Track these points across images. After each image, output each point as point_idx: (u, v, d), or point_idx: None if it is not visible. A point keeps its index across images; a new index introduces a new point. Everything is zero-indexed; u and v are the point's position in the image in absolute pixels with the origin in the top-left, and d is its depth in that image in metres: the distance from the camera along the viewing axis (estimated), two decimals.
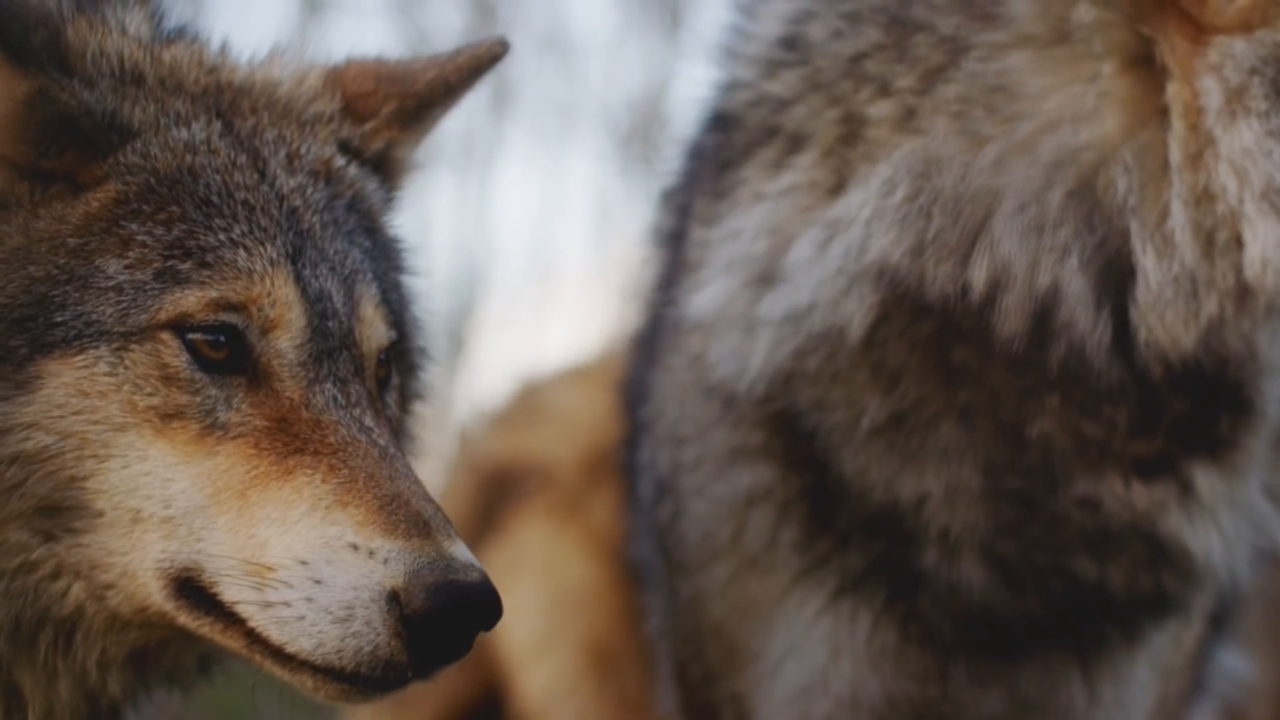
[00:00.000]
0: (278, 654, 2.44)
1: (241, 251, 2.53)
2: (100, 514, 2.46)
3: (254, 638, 2.45)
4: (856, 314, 2.96)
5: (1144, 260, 2.82)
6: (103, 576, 2.49)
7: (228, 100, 2.71)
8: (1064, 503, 2.99)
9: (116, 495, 2.45)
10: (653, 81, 10.54)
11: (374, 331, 2.66)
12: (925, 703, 3.16)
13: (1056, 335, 2.87)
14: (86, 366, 2.45)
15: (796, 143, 3.07)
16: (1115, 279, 2.87)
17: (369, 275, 2.70)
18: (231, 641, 2.48)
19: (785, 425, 3.09)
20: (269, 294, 2.53)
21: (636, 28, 10.57)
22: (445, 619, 2.39)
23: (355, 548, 2.39)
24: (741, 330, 3.07)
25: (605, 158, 10.98)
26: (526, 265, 11.06)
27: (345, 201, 2.75)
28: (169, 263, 2.49)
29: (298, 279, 2.57)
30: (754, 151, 3.13)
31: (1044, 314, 2.87)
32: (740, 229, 3.09)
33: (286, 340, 2.54)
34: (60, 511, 2.46)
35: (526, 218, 10.59)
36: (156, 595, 2.47)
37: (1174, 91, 2.82)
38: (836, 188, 3.01)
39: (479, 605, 2.41)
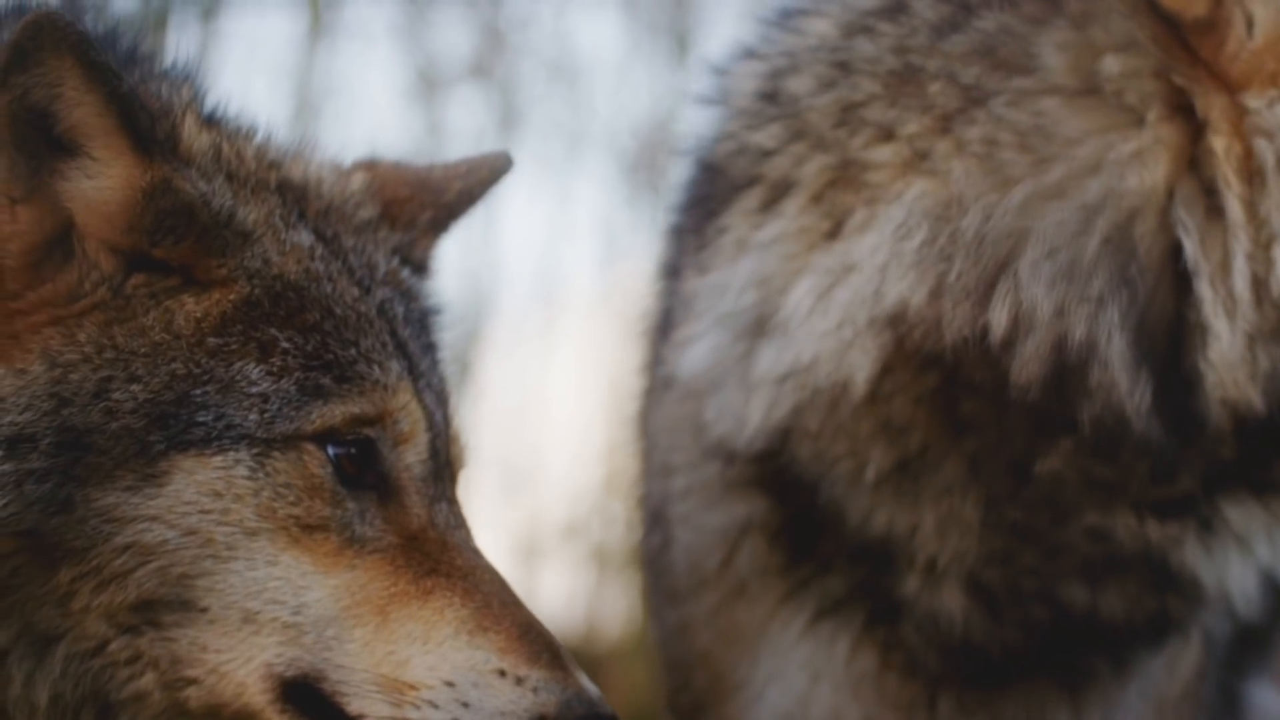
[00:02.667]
0: None
1: (376, 367, 2.57)
2: (204, 611, 2.47)
3: None
4: (861, 367, 2.96)
5: (1215, 322, 2.84)
6: (186, 671, 2.49)
7: (298, 201, 2.73)
8: (1071, 533, 3.00)
9: (231, 596, 2.46)
10: (660, 109, 10.55)
11: (463, 453, 2.75)
12: None
13: (1090, 393, 2.88)
14: (224, 468, 2.46)
15: (780, 190, 3.10)
16: (1158, 337, 2.88)
17: (449, 395, 2.77)
18: None
19: (780, 470, 3.10)
20: (404, 407, 2.59)
21: (644, 55, 10.57)
22: None
23: (503, 674, 2.47)
24: (736, 387, 3.08)
25: (612, 184, 11.00)
26: (533, 291, 11.06)
27: (418, 316, 2.81)
28: (310, 374, 2.52)
29: (418, 394, 2.63)
30: (734, 199, 3.16)
31: (1073, 366, 2.88)
32: (726, 283, 3.11)
33: (413, 455, 2.60)
34: (155, 606, 2.46)
35: (533, 243, 10.62)
36: (256, 696, 2.49)
37: (1223, 146, 2.85)
38: (831, 232, 3.03)
39: None
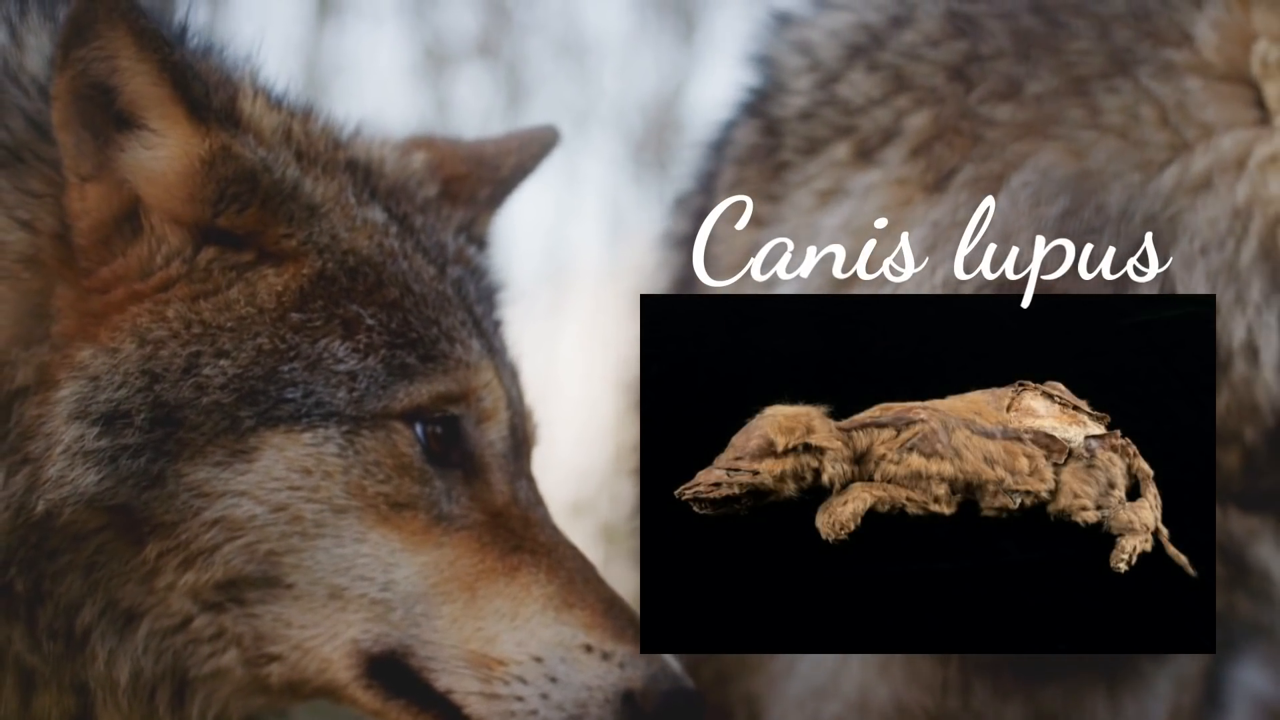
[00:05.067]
0: None
1: (458, 345, 2.59)
2: (290, 588, 2.48)
3: None
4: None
5: None
6: (269, 648, 2.50)
7: (367, 180, 2.73)
8: None
9: (318, 573, 2.47)
10: (667, 86, 10.55)
11: (534, 430, 2.75)
12: (942, 714, 3.14)
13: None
14: (314, 445, 2.46)
15: (877, 141, 3.05)
16: None
17: (518, 372, 2.78)
18: None
19: None
20: (486, 385, 2.60)
21: (651, 32, 10.57)
22: (674, 718, 2.52)
23: (589, 649, 2.50)
24: None
25: (619, 162, 10.99)
26: (539, 269, 11.06)
27: (486, 293, 2.81)
28: (395, 352, 2.53)
29: (498, 372, 2.64)
30: (819, 151, 3.10)
31: (1223, 360, 2.86)
32: (820, 225, 3.05)
33: (495, 432, 2.61)
34: (240, 584, 2.47)
35: (540, 222, 10.60)
36: (341, 672, 2.50)
37: None
38: (935, 185, 2.98)
39: (698, 711, 2.55)
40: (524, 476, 2.66)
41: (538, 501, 2.65)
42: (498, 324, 2.81)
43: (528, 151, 3.06)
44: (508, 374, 2.71)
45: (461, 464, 2.58)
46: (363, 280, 2.56)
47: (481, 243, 2.94)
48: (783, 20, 3.30)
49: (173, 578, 2.46)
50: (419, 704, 2.52)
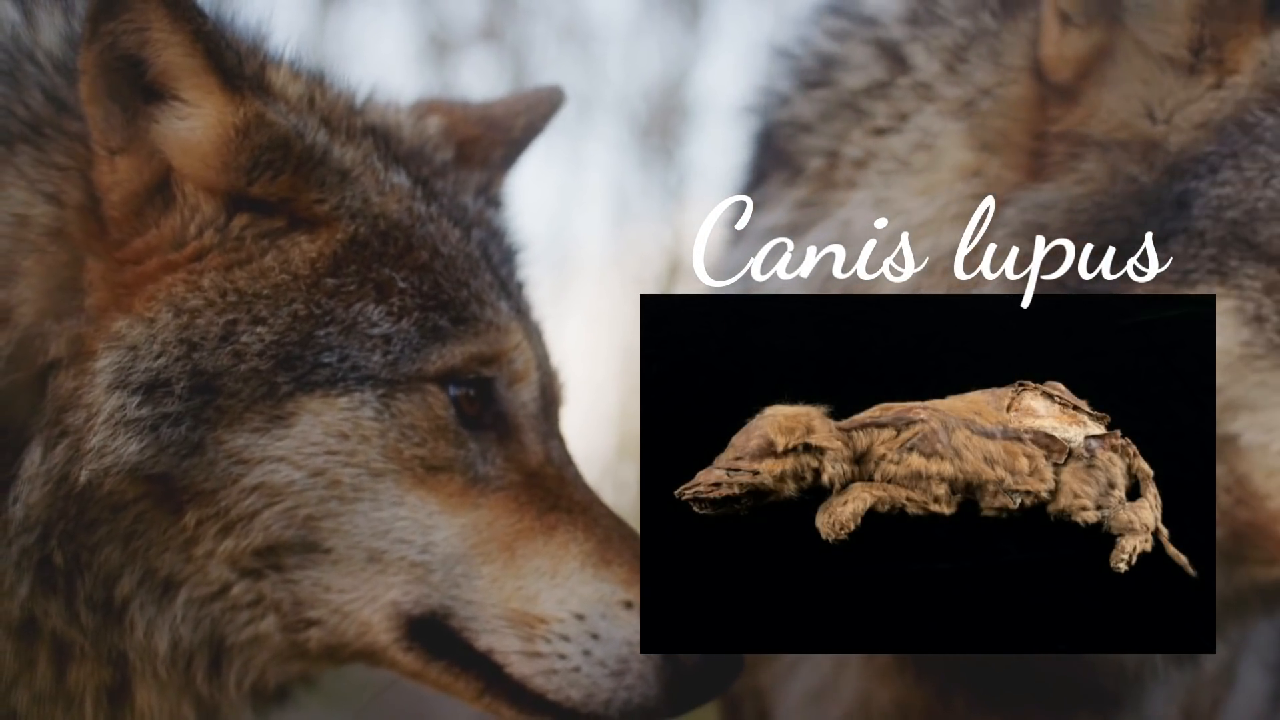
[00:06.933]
0: (534, 702, 2.53)
1: (488, 308, 2.61)
2: (328, 552, 2.50)
3: (499, 684, 2.53)
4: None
5: None
6: (308, 613, 2.52)
7: (388, 144, 2.75)
8: None
9: (356, 536, 2.49)
10: (672, 72, 10.52)
11: (560, 389, 2.78)
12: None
13: None
14: (351, 409, 2.48)
15: (792, 176, 2.99)
16: None
17: (541, 332, 2.80)
18: (461, 684, 2.56)
19: None
20: (517, 346, 2.63)
21: (656, 17, 10.55)
22: (714, 675, 2.54)
23: (629, 605, 2.52)
24: None
25: (624, 148, 10.97)
26: (544, 256, 11.05)
27: (508, 255, 2.84)
28: (428, 315, 2.55)
29: (527, 333, 2.66)
30: (769, 175, 3.05)
31: None
32: (729, 270, 3.03)
33: (527, 393, 2.64)
34: (279, 550, 2.49)
35: (544, 208, 10.59)
36: (380, 634, 2.52)
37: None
38: (797, 234, 2.94)
39: (737, 666, 2.57)
40: (555, 436, 2.68)
41: (569, 460, 2.67)
42: (520, 285, 2.82)
43: (537, 112, 3.08)
44: (535, 335, 2.73)
45: (495, 425, 2.60)
46: (394, 244, 2.58)
47: (498, 204, 2.96)
48: (808, 20, 3.16)
49: (211, 545, 2.47)
50: (459, 665, 2.54)
